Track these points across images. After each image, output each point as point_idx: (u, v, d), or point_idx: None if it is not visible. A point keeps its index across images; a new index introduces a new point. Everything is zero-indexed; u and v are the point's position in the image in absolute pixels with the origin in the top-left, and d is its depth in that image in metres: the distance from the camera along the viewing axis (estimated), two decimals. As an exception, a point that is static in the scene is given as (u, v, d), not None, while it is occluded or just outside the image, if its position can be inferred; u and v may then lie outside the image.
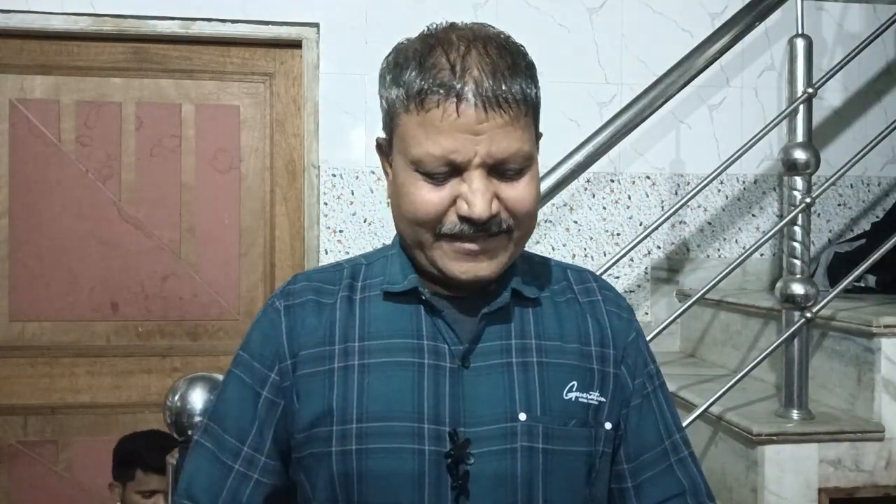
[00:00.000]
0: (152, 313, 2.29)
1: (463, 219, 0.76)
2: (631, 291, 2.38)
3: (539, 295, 0.86)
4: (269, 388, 0.83)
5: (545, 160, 2.14)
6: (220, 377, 1.30)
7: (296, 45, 2.29)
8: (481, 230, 0.77)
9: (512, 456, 0.78)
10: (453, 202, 0.77)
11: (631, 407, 0.86)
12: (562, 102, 2.34)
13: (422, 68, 0.76)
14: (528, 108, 0.77)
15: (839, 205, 2.51)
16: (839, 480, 1.51)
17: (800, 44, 1.61)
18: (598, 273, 1.54)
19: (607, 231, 2.38)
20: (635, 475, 0.87)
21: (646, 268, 2.40)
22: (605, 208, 2.38)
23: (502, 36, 0.80)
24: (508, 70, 0.75)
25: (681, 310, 1.64)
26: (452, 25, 0.80)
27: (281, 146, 2.34)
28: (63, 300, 2.26)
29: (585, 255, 2.36)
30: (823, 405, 1.63)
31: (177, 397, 1.27)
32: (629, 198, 2.38)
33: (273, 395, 0.83)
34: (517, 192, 0.77)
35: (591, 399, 0.82)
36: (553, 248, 2.34)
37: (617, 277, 2.37)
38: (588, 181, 2.34)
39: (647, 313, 2.37)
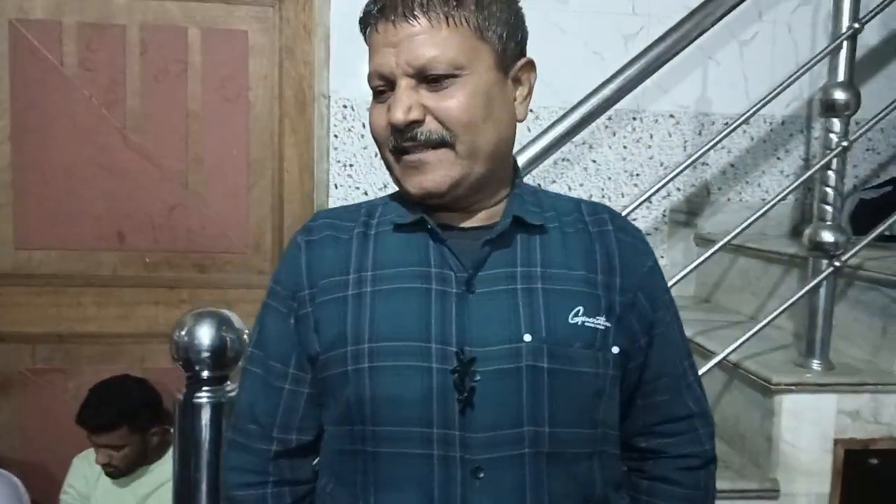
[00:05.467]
0: (159, 244, 2.25)
1: (390, 127, 0.82)
2: (648, 234, 2.32)
3: (545, 223, 0.88)
4: (293, 314, 0.89)
5: (567, 95, 2.06)
6: (228, 312, 1.28)
7: (307, -33, 2.18)
8: (409, 139, 0.81)
9: (517, 375, 0.82)
10: None
11: (653, 335, 0.90)
12: (585, 34, 2.23)
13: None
14: (457, 20, 0.80)
15: (867, 149, 2.42)
16: (856, 432, 1.49)
17: (846, -25, 1.51)
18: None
19: (626, 171, 2.30)
20: (649, 395, 0.93)
21: (664, 210, 2.33)
22: (625, 147, 2.30)
23: None
24: None
25: (706, 255, 1.57)
26: None
27: (290, 74, 2.25)
28: (69, 229, 2.22)
29: (603, 196, 2.29)
30: (844, 356, 1.59)
31: (184, 332, 1.25)
32: (651, 137, 2.30)
33: (295, 320, 0.89)
34: (441, 100, 0.80)
35: (599, 324, 0.85)
36: (570, 188, 2.27)
37: (634, 219, 2.30)
38: (609, 119, 2.26)
39: (662, 256, 2.32)
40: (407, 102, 0.80)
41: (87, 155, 2.20)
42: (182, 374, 1.27)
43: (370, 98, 0.87)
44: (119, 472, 2.01)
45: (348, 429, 0.85)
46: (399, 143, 0.82)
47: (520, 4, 0.89)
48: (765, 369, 1.51)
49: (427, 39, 0.79)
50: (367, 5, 0.84)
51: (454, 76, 0.80)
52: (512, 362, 0.82)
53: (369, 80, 0.84)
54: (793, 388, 1.46)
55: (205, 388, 1.24)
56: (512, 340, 0.82)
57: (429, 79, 0.80)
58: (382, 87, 0.83)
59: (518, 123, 0.89)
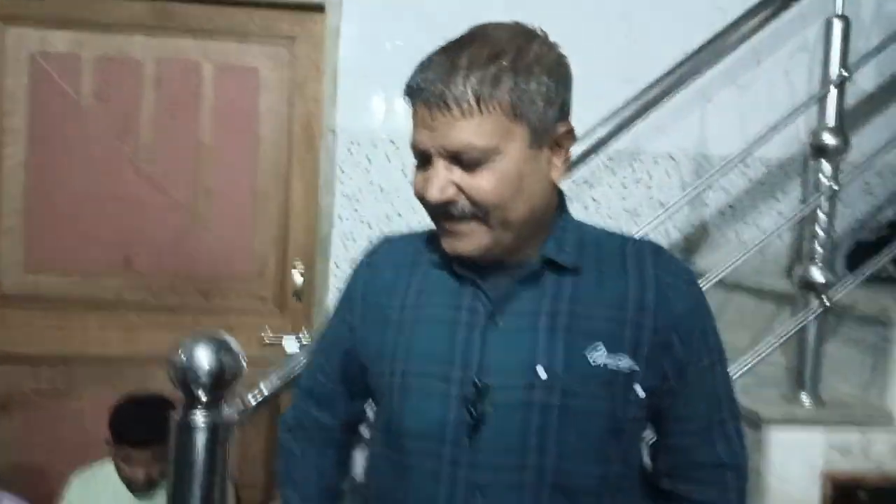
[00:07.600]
0: (165, 270, 2.30)
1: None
2: (646, 271, 2.35)
3: (578, 263, 0.90)
4: (345, 323, 1.03)
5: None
6: (226, 335, 1.31)
7: (319, 8, 2.26)
8: (442, 213, 0.87)
9: (528, 408, 0.86)
10: None
11: (685, 377, 0.90)
12: (585, 76, 2.28)
13: (418, 66, 0.87)
14: (490, 106, 0.82)
15: (864, 192, 2.45)
16: (845, 467, 1.49)
17: (837, 24, 1.56)
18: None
19: (626, 210, 2.35)
20: (675, 437, 0.94)
21: (662, 248, 2.36)
22: (625, 187, 2.34)
23: (512, 32, 0.86)
24: (468, 69, 0.82)
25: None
26: (485, 24, 0.88)
27: (299, 110, 2.32)
28: (77, 254, 2.27)
29: (602, 233, 2.33)
30: (835, 391, 1.60)
31: (182, 354, 1.28)
32: (650, 177, 2.34)
33: (346, 328, 1.02)
34: (472, 181, 0.84)
35: (621, 363, 0.86)
36: (569, 224, 2.31)
37: (632, 257, 2.33)
38: (610, 159, 2.30)
39: (661, 294, 2.34)
40: (440, 182, 0.85)
41: (99, 183, 2.26)
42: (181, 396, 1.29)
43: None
44: (153, 484, 2.00)
45: (384, 435, 0.96)
46: (436, 214, 0.89)
47: (564, 62, 0.90)
48: (755, 403, 1.52)
49: (460, 126, 0.82)
50: (409, 78, 0.87)
51: (486, 160, 0.83)
52: (524, 396, 0.86)
53: (412, 149, 0.88)
54: (782, 422, 1.47)
55: (201, 410, 1.27)
56: (526, 375, 0.86)
57: (462, 160, 0.84)
58: (421, 159, 0.88)
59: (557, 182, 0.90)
